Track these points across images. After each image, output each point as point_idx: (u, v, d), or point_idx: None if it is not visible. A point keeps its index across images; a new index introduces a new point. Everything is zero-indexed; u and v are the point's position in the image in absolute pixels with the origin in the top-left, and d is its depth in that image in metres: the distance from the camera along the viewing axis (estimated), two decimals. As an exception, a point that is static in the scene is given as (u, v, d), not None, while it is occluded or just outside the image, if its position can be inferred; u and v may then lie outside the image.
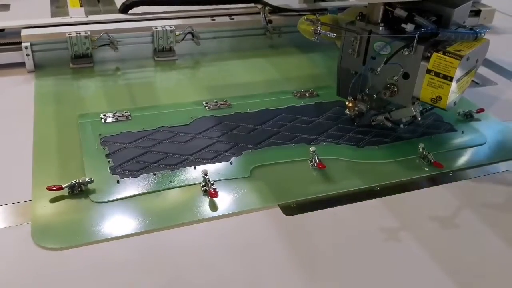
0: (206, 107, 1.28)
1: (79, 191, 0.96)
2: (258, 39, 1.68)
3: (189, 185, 1.00)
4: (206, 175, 0.99)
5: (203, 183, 0.99)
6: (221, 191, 0.97)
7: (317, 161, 1.06)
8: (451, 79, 1.01)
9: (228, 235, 0.89)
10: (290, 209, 0.95)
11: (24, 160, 1.05)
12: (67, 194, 0.95)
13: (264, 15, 1.64)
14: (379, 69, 1.10)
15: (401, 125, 1.19)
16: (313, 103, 1.33)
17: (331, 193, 1.00)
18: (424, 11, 1.07)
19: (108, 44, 1.49)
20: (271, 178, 1.04)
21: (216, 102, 1.30)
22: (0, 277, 0.79)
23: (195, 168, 1.04)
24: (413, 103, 1.11)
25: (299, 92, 1.38)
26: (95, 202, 0.94)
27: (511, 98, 1.45)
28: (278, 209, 0.95)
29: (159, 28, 1.52)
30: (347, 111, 1.19)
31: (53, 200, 0.94)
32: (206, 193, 0.97)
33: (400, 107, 1.15)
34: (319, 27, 1.18)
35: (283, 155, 1.11)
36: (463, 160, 1.14)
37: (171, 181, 1.00)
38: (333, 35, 1.16)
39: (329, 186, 1.02)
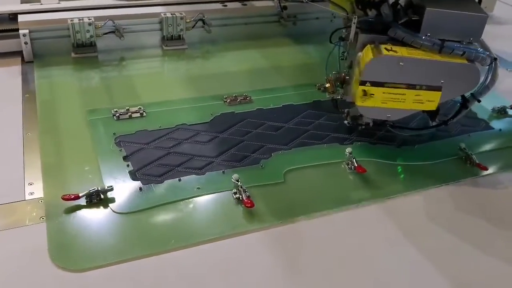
0: (226, 103, 1.18)
1: (98, 200, 0.86)
2: (272, 27, 1.57)
3: (219, 191, 0.90)
4: (238, 181, 0.90)
5: (234, 190, 0.89)
6: (254, 198, 0.88)
7: (355, 164, 0.97)
8: (360, 74, 0.92)
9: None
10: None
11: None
12: (85, 204, 0.85)
13: (278, 1, 1.54)
14: (343, 53, 1.03)
15: (362, 127, 1.06)
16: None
17: (375, 199, 0.92)
18: (414, 7, 0.96)
19: (113, 32, 1.37)
20: (307, 183, 0.95)
21: (236, 96, 1.20)
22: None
23: (223, 172, 0.95)
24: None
25: (323, 85, 1.28)
26: (117, 213, 0.84)
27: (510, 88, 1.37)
28: (320, 218, 0.87)
29: (168, 15, 1.41)
30: (326, 94, 1.09)
31: (69, 210, 0.84)
32: (239, 201, 0.88)
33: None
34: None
35: (316, 156, 1.02)
36: (506, 160, 1.06)
37: (198, 188, 0.91)
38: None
39: (371, 192, 0.94)
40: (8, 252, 0.76)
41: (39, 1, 1.43)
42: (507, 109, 1.24)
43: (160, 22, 1.41)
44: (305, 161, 1.00)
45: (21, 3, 1.44)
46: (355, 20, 0.95)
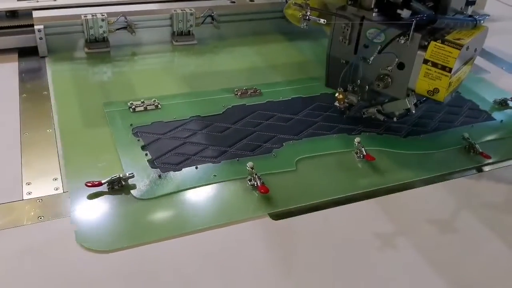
0: (237, 95, 1.22)
1: (119, 186, 0.90)
2: (279, 23, 1.61)
3: (234, 179, 0.94)
4: (252, 168, 0.94)
5: (249, 177, 0.93)
6: (268, 185, 0.92)
7: (364, 153, 1.01)
8: (450, 70, 0.93)
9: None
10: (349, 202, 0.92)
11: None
12: (107, 190, 0.89)
13: (285, -2, 1.57)
14: (371, 58, 1.02)
15: (394, 118, 1.11)
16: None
17: (387, 185, 0.96)
18: None
19: (125, 28, 1.40)
20: (318, 170, 0.99)
21: (246, 90, 1.24)
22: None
23: (237, 160, 0.99)
24: (408, 95, 1.03)
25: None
26: (139, 198, 0.88)
27: (506, 87, 1.39)
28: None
29: (179, 11, 1.44)
30: (336, 103, 1.11)
31: (92, 196, 0.88)
32: (254, 187, 0.92)
33: (393, 99, 1.07)
34: (308, 13, 1.08)
35: (326, 146, 1.06)
36: (507, 150, 1.11)
37: (215, 175, 0.95)
38: (323, 21, 1.06)
39: (381, 179, 0.98)
40: (7, 251, 0.77)
41: (36, 0, 1.44)
42: (508, 101, 1.28)
43: (171, 18, 1.45)
44: (315, 150, 1.04)
45: (18, 0, 1.45)
46: (414, 23, 0.94)
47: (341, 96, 1.10)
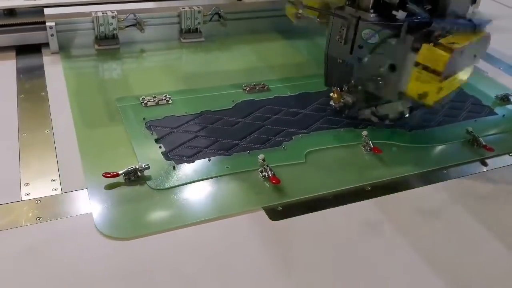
0: (245, 91, 1.25)
1: (135, 177, 0.92)
2: (285, 20, 1.63)
3: (246, 171, 0.97)
4: (263, 160, 0.96)
5: (261, 169, 0.96)
6: (279, 176, 0.95)
7: (372, 146, 1.04)
8: (439, 74, 0.92)
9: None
10: (364, 192, 0.95)
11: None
12: (123, 181, 0.92)
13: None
14: (365, 59, 1.03)
15: (386, 121, 1.12)
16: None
17: (393, 177, 0.99)
18: None
19: (134, 25, 1.43)
20: (327, 163, 1.02)
21: (254, 85, 1.27)
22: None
23: (248, 153, 1.02)
24: (400, 98, 1.04)
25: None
26: (155, 189, 0.91)
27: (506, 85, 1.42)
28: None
29: (187, 9, 1.47)
30: (331, 103, 1.13)
31: (109, 187, 0.91)
32: (266, 178, 0.95)
33: (388, 102, 1.08)
34: (300, 10, 1.09)
35: (334, 139, 1.09)
36: (511, 143, 1.14)
37: (227, 167, 0.97)
38: (317, 20, 1.07)
39: (388, 170, 1.01)
40: (5, 252, 0.77)
41: None
42: (510, 97, 1.31)
43: (179, 16, 1.48)
44: (324, 143, 1.07)
45: None
46: (405, 25, 0.95)
47: (336, 96, 1.11)
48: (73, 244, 0.79)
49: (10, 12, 1.44)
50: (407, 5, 0.97)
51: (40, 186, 0.90)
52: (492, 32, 1.02)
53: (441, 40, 0.94)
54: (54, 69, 1.30)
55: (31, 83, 1.24)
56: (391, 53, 1.00)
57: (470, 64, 1.02)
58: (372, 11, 1.02)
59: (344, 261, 0.81)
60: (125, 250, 0.79)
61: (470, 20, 1.00)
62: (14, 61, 1.34)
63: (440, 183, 1.00)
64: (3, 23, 1.39)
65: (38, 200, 0.87)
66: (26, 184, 0.90)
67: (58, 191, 0.89)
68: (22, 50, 1.39)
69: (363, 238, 0.85)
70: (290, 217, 0.88)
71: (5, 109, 1.12)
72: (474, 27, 0.97)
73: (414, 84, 0.97)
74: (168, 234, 0.82)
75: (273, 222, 0.86)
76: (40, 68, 1.31)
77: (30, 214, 0.84)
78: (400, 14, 0.97)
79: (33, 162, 0.96)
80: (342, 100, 1.11)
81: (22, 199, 0.87)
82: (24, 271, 0.74)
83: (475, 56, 1.01)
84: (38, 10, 1.42)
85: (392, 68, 1.02)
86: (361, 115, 1.14)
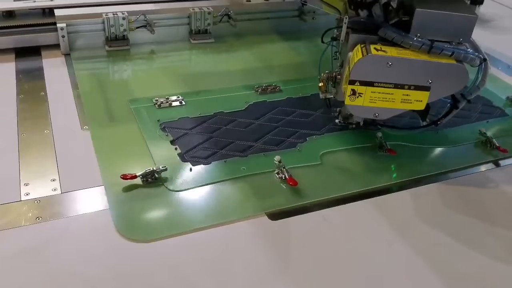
0: (257, 92, 1.25)
1: (152, 179, 0.92)
2: (292, 22, 1.64)
3: (263, 172, 0.97)
4: (280, 162, 0.97)
5: (277, 171, 0.96)
6: (296, 178, 0.95)
7: (387, 147, 1.05)
8: (349, 74, 0.92)
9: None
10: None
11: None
12: (141, 183, 0.92)
13: (299, -3, 1.60)
14: (336, 53, 1.03)
15: (352, 126, 1.09)
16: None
17: (408, 179, 0.99)
18: (404, 8, 0.95)
19: (144, 26, 1.43)
20: (343, 164, 1.02)
21: (266, 86, 1.27)
22: (69, 268, 0.75)
23: (264, 154, 1.02)
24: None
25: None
26: (172, 190, 0.91)
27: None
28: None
29: (197, 10, 1.47)
30: (319, 93, 1.08)
31: (127, 189, 0.91)
32: (283, 180, 0.95)
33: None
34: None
35: (348, 140, 1.09)
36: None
37: (243, 168, 0.98)
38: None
39: (404, 172, 1.01)
40: (4, 252, 0.77)
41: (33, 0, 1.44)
42: (520, 98, 1.32)
43: (189, 17, 1.48)
44: (339, 144, 1.08)
45: (14, 0, 1.46)
46: (346, 20, 0.96)
47: (321, 84, 1.06)
48: (73, 245, 0.79)
49: (9, 14, 1.41)
50: (373, 7, 0.96)
51: (39, 186, 0.90)
52: (490, 32, 1.00)
53: (374, 45, 0.92)
54: (53, 70, 1.30)
55: (30, 83, 1.24)
56: (343, 51, 1.00)
57: (417, 83, 0.92)
58: (351, 7, 1.00)
59: (344, 261, 0.81)
60: (128, 251, 0.79)
61: (431, 41, 0.91)
62: (14, 62, 1.33)
63: (451, 183, 1.00)
64: (2, 25, 1.37)
65: (38, 200, 0.87)
66: (26, 184, 0.90)
67: (58, 191, 0.89)
68: (22, 52, 1.38)
69: (364, 238, 0.86)
70: (288, 216, 0.88)
71: (4, 109, 1.12)
72: (429, 48, 0.90)
73: (345, 83, 0.97)
74: (188, 237, 0.82)
75: (273, 222, 0.87)
76: (40, 69, 1.31)
77: (30, 214, 0.84)
78: (362, 13, 0.97)
79: (32, 162, 0.96)
80: (327, 91, 1.07)
81: (22, 199, 0.87)
82: (24, 271, 0.74)
83: (429, 81, 0.92)
84: (38, 12, 1.42)
85: (342, 65, 1.02)
86: (337, 118, 1.11)
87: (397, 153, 1.04)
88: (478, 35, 1.01)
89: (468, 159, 1.07)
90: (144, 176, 0.92)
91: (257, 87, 1.26)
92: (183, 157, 0.99)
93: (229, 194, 0.92)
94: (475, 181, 1.02)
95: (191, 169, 0.96)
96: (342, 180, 0.98)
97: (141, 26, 1.43)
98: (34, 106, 1.15)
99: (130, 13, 1.41)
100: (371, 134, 1.09)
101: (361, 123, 1.07)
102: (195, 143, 1.03)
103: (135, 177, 0.91)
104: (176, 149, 1.01)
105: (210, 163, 0.98)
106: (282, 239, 0.84)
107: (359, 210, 0.91)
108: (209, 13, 1.48)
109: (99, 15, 1.39)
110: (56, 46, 1.38)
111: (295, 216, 0.88)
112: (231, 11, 1.52)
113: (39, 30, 1.39)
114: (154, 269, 0.76)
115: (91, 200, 0.88)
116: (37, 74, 1.28)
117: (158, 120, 1.09)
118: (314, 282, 0.76)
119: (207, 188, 0.92)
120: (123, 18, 1.39)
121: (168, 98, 1.17)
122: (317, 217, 0.89)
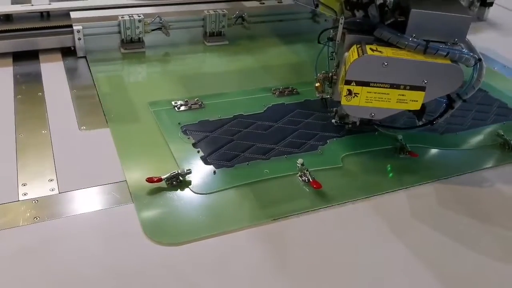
0: (275, 94, 1.25)
1: (177, 182, 0.93)
2: (305, 23, 1.65)
3: (286, 175, 0.98)
4: (302, 165, 0.97)
5: (300, 173, 0.97)
6: (319, 181, 0.95)
7: (408, 149, 1.05)
8: (345, 74, 0.92)
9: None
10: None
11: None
12: (166, 186, 0.92)
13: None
14: (332, 54, 1.04)
15: (348, 126, 1.10)
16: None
17: (431, 180, 1.00)
18: (400, 9, 0.96)
19: (160, 28, 1.44)
20: (365, 167, 1.03)
21: (283, 89, 1.27)
22: (68, 268, 0.75)
23: (286, 157, 1.02)
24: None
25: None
26: (198, 193, 0.91)
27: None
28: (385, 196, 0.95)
29: (211, 12, 1.48)
30: (316, 93, 1.09)
31: (152, 192, 0.91)
32: (306, 183, 0.95)
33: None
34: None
35: (368, 143, 1.10)
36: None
37: (266, 171, 0.98)
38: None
39: (426, 174, 1.02)
40: (3, 252, 0.77)
41: (30, 2, 1.44)
42: (535, 100, 1.32)
43: (203, 19, 1.48)
44: (359, 147, 1.08)
45: (12, 3, 1.46)
46: (342, 21, 0.97)
47: (318, 84, 1.07)
48: (70, 244, 0.80)
49: (7, 18, 1.40)
50: (369, 7, 0.97)
51: (37, 186, 0.90)
52: (487, 32, 0.99)
53: (369, 46, 0.93)
54: (51, 72, 1.31)
55: (28, 84, 1.24)
56: (339, 52, 1.01)
57: (412, 83, 0.93)
58: (347, 8, 1.01)
59: (344, 261, 0.81)
60: (128, 251, 0.79)
61: (427, 41, 0.92)
62: (11, 65, 1.33)
63: (439, 183, 1.01)
64: (0, 29, 1.36)
65: (36, 200, 0.87)
66: (24, 184, 0.91)
67: (55, 191, 0.90)
68: (20, 55, 1.37)
69: (365, 238, 0.86)
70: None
71: (2, 110, 1.13)
72: (424, 48, 0.91)
73: (340, 81, 0.97)
74: (214, 240, 0.83)
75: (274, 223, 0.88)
76: (37, 71, 1.31)
77: (28, 214, 0.84)
78: (358, 13, 0.97)
79: (30, 162, 0.97)
80: (323, 91, 1.09)
81: (20, 199, 0.87)
82: (22, 271, 0.75)
83: (425, 81, 0.92)
84: (36, 15, 1.42)
85: (338, 66, 1.03)
86: (334, 118, 1.12)
87: (419, 155, 1.05)
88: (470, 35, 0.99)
89: (485, 161, 1.08)
90: (169, 179, 0.92)
91: (274, 90, 1.27)
92: (206, 160, 0.99)
93: (254, 197, 0.92)
94: (475, 181, 1.02)
95: (214, 172, 0.96)
96: (365, 183, 0.98)
97: (156, 29, 1.43)
98: (31, 107, 1.15)
99: (145, 15, 1.41)
100: (390, 136, 1.09)
101: (358, 123, 1.08)
102: (217, 146, 1.04)
103: (161, 180, 0.92)
104: (198, 152, 1.01)
105: (233, 165, 0.99)
106: (282, 239, 0.84)
107: (359, 210, 0.92)
108: (223, 15, 1.49)
109: (114, 17, 1.39)
110: (55, 49, 1.39)
111: (296, 216, 0.89)
112: (245, 13, 1.52)
113: (37, 34, 1.38)
114: (159, 271, 0.76)
115: (89, 200, 0.89)
116: (35, 76, 1.29)
117: (179, 123, 1.10)
118: (314, 282, 0.77)
119: (231, 191, 0.93)
120: (139, 21, 1.39)
121: (187, 101, 1.18)
122: (317, 217, 0.89)
